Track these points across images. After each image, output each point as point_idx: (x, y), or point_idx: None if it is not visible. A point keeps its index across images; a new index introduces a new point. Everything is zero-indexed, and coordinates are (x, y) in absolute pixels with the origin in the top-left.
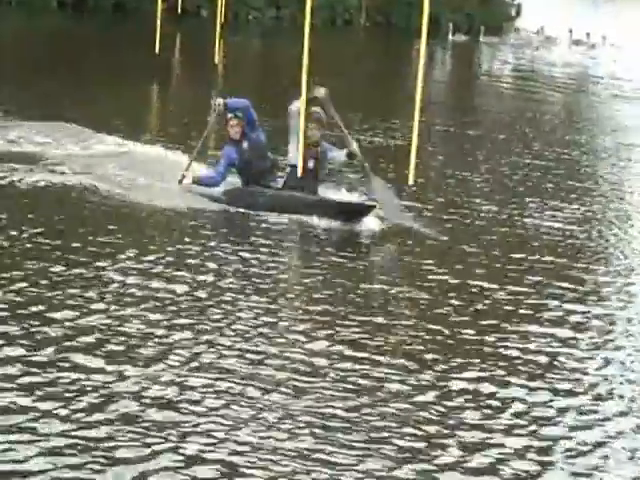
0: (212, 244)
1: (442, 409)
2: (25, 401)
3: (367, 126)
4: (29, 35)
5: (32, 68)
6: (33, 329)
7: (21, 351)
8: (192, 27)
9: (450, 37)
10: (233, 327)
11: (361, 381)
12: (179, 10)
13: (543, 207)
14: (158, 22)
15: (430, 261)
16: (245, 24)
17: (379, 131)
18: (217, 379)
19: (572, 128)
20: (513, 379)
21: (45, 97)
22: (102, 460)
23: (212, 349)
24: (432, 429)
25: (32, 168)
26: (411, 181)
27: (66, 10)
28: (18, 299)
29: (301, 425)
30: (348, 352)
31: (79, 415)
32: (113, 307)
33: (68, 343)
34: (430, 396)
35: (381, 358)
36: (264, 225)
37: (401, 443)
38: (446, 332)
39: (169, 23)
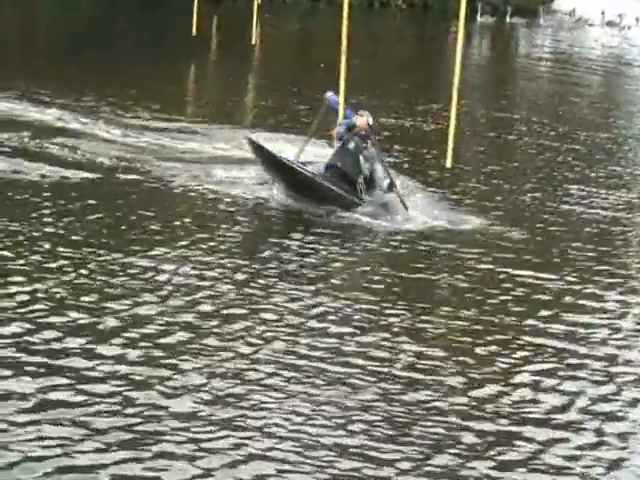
0: (266, 237)
1: (504, 405)
2: (81, 393)
3: (407, 111)
4: (67, 19)
5: (72, 50)
6: (88, 319)
7: (80, 340)
8: (229, 9)
9: (478, 18)
10: (285, 321)
11: (417, 375)
12: None
13: (586, 193)
14: (195, 4)
15: (473, 249)
16: (282, 6)
17: (417, 115)
18: (272, 374)
19: (611, 112)
20: (576, 372)
21: (84, 78)
22: (164, 455)
23: (264, 342)
24: (496, 426)
25: (89, 153)
26: (449, 165)
27: None
28: (71, 288)
29: (359, 422)
30: (401, 345)
31: (136, 409)
32: (166, 298)
33: (123, 334)
34: (490, 391)
35: (436, 352)
36: (315, 218)
37: (466, 439)
38: (501, 324)
39: (206, 5)
